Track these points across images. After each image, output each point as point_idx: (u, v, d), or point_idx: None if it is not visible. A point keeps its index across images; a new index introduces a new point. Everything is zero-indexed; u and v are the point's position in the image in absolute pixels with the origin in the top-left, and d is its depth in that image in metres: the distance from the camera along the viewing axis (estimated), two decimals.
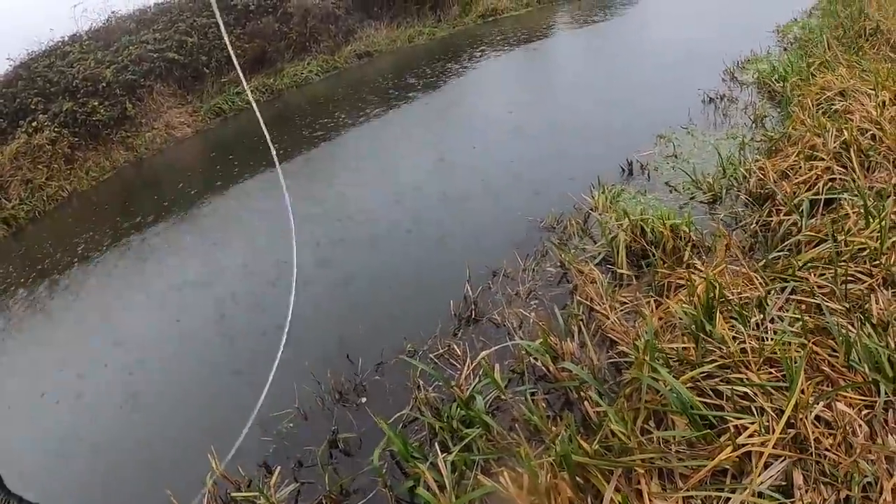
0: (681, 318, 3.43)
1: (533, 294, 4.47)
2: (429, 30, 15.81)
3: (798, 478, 2.34)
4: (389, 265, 5.33)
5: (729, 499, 2.31)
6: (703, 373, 2.90)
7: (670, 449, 2.60)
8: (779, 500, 2.28)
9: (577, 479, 2.62)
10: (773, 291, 3.53)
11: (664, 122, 6.99)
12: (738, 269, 3.96)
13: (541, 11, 16.99)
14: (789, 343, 2.91)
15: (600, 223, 5.01)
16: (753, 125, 6.71)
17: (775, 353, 2.85)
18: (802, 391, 2.55)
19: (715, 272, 3.77)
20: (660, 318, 3.63)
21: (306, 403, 3.95)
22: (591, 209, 5.35)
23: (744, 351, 2.98)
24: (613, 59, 10.98)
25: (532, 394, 3.47)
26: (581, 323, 3.87)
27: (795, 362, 2.68)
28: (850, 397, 2.62)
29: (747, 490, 2.29)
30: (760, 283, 3.65)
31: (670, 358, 3.14)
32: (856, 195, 4.21)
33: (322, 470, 3.44)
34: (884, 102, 5.55)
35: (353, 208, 6.57)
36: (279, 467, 3.53)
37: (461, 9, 16.84)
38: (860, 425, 2.49)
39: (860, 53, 7.93)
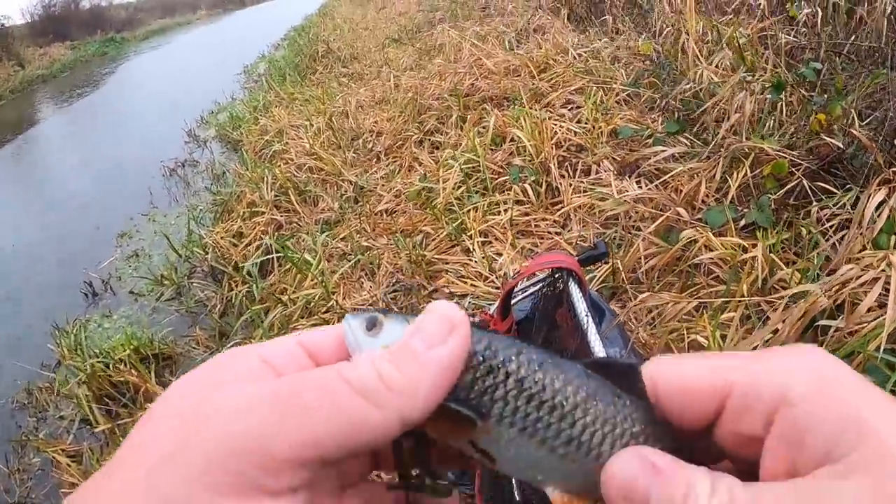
0: None
1: (27, 501, 3.31)
2: None
3: None
4: None
5: None
6: None
7: None
8: None
9: None
10: None
11: (125, 213, 6.03)
12: None
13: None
14: None
15: (59, 386, 3.99)
16: (213, 186, 6.14)
17: None
18: None
19: None
20: None
21: None
22: (60, 361, 4.26)
23: None
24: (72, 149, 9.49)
25: None
26: None
27: None
28: None
29: None
30: None
31: None
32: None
33: None
34: (318, 129, 5.45)
35: None
36: None
37: None
38: None
39: (313, 77, 8.08)
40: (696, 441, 0.36)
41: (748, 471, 0.33)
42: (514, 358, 0.37)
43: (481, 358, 0.37)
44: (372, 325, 0.38)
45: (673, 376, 0.36)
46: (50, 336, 4.37)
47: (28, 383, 4.14)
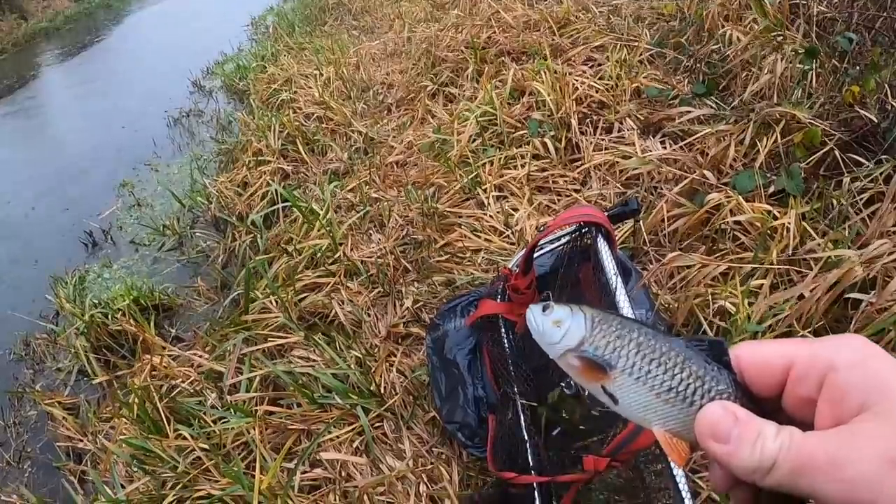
0: None
1: (24, 454, 3.27)
2: None
3: None
4: None
5: None
6: None
7: None
8: None
9: None
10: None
11: (127, 163, 5.89)
12: None
13: None
14: None
15: (58, 335, 3.88)
16: (218, 136, 6.00)
17: None
18: None
19: None
20: None
21: None
22: (58, 312, 4.16)
23: None
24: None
25: None
26: None
27: None
28: None
29: None
30: None
31: None
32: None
33: None
34: (328, 78, 5.31)
35: None
36: None
37: None
38: None
39: (323, 29, 7.89)
40: (768, 406, 0.46)
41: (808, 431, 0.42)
42: (636, 330, 0.50)
43: (614, 328, 0.50)
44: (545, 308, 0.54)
45: (752, 352, 0.47)
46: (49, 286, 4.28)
47: (26, 334, 4.05)
